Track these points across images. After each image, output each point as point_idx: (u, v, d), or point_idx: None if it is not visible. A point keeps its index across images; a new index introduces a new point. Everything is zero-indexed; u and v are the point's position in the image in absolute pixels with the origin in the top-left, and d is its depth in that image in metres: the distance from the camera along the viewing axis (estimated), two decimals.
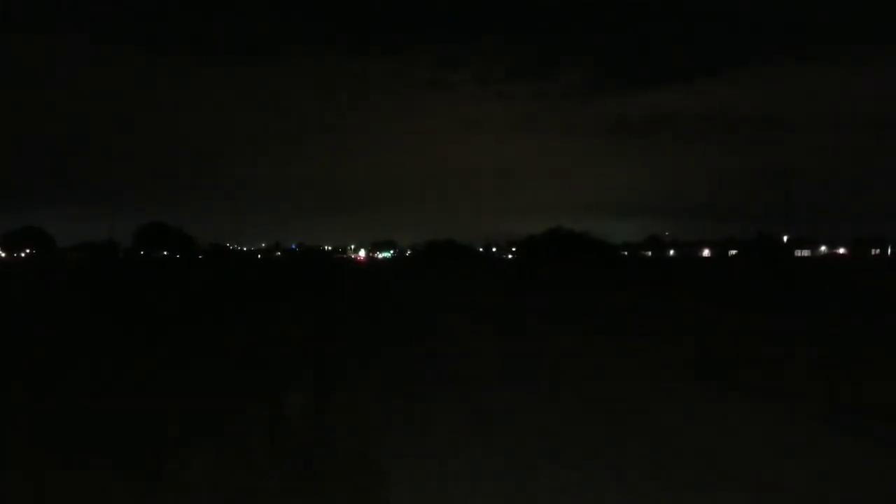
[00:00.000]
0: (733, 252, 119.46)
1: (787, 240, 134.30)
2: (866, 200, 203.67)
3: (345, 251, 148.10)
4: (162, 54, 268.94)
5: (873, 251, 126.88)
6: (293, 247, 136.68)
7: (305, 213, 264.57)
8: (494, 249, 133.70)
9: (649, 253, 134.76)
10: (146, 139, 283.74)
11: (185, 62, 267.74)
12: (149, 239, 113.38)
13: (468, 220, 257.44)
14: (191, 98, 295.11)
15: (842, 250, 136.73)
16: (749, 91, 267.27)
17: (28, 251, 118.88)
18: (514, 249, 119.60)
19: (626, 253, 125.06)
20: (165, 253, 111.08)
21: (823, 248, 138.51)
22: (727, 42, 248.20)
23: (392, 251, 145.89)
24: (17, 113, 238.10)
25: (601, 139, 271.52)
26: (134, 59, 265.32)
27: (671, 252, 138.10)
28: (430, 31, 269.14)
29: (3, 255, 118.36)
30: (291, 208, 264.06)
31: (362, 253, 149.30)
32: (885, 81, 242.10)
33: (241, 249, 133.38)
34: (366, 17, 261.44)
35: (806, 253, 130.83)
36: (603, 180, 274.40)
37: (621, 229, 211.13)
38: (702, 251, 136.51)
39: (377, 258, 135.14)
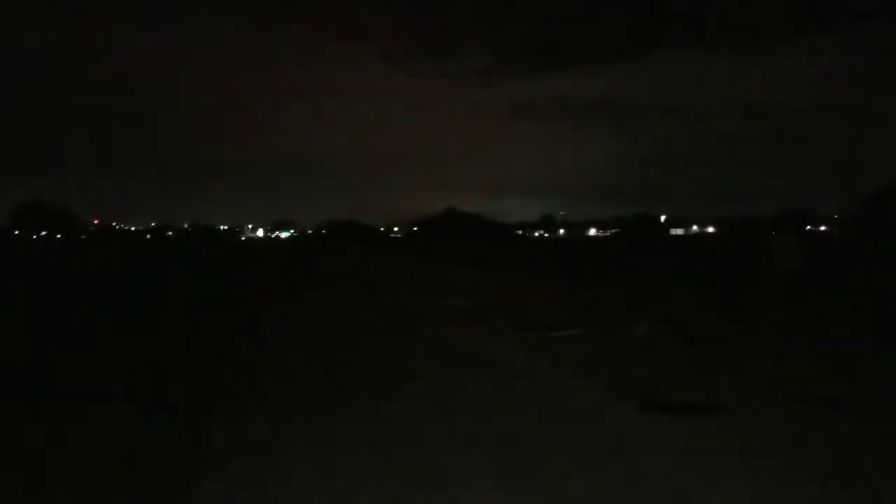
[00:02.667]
0: (615, 231, 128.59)
1: (665, 219, 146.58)
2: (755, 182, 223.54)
3: (241, 231, 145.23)
4: (37, 15, 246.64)
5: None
6: (185, 226, 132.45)
7: (200, 191, 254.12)
8: (396, 229, 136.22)
9: (543, 232, 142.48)
10: (24, 110, 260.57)
11: (71, 25, 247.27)
12: (27, 218, 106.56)
13: (370, 199, 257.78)
14: (78, 64, 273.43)
15: (710, 229, 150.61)
16: (645, 78, 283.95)
17: None
18: (415, 228, 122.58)
19: (520, 232, 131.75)
20: (45, 233, 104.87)
21: (695, 227, 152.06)
22: (627, 29, 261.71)
23: (292, 231, 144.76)
24: None
25: (502, 121, 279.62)
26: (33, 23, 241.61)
27: (562, 231, 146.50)
28: (338, 4, 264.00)
29: None
30: (183, 187, 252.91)
31: (260, 233, 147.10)
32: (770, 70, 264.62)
33: (129, 229, 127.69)
34: None
35: (680, 231, 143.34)
36: (503, 161, 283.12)
37: (523, 209, 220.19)
38: (589, 230, 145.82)
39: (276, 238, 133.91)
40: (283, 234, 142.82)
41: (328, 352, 8.61)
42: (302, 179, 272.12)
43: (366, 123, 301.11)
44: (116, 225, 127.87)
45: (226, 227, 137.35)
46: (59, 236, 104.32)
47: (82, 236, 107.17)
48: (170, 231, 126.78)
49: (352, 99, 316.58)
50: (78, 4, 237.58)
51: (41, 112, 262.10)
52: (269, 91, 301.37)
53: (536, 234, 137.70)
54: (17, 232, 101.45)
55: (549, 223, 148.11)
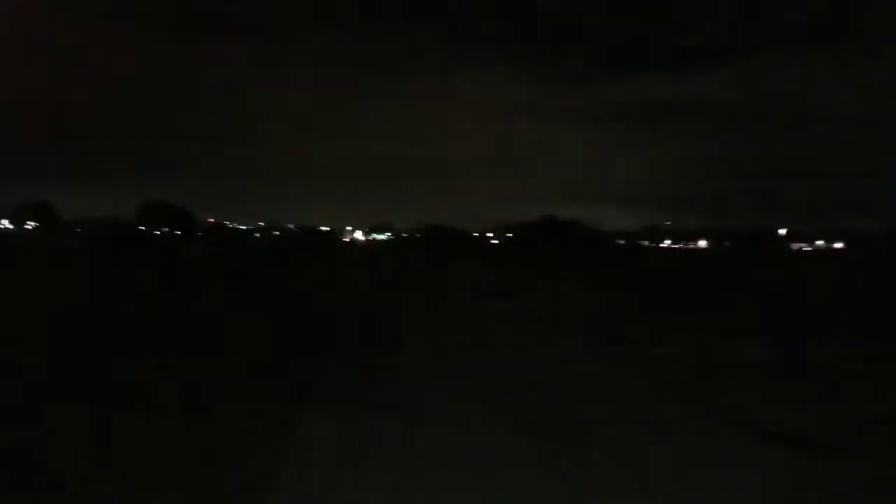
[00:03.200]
0: (726, 244, 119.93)
1: (786, 233, 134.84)
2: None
3: (342, 233, 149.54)
4: (161, 33, 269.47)
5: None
6: (291, 226, 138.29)
7: (305, 194, 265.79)
8: (490, 235, 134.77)
9: (646, 242, 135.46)
10: (150, 118, 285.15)
11: (185, 41, 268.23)
12: (151, 216, 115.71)
13: (468, 204, 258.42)
14: (195, 78, 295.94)
15: (839, 245, 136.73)
16: (754, 81, 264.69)
17: (34, 224, 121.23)
18: (509, 235, 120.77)
19: (622, 241, 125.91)
20: (166, 229, 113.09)
21: (820, 242, 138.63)
22: (732, 30, 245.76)
23: (389, 234, 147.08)
24: (23, 88, 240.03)
25: (599, 125, 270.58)
26: (134, 38, 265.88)
27: (667, 242, 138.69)
28: (434, 15, 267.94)
29: (10, 227, 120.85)
30: (291, 188, 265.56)
31: (359, 234, 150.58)
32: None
33: (240, 228, 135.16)
34: None
35: (806, 246, 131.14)
36: (600, 166, 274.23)
37: (621, 217, 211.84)
38: (698, 242, 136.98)
39: (374, 240, 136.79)
40: (381, 237, 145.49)
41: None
42: (400, 184, 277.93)
43: (460, 128, 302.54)
44: (229, 224, 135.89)
45: (328, 229, 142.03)
46: (178, 233, 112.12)
47: (199, 233, 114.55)
48: (276, 231, 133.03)
49: (449, 105, 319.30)
50: (203, 23, 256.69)
51: (159, 121, 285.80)
52: (367, 98, 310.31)
53: (646, 244, 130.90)
54: (142, 228, 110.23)
55: (653, 233, 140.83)
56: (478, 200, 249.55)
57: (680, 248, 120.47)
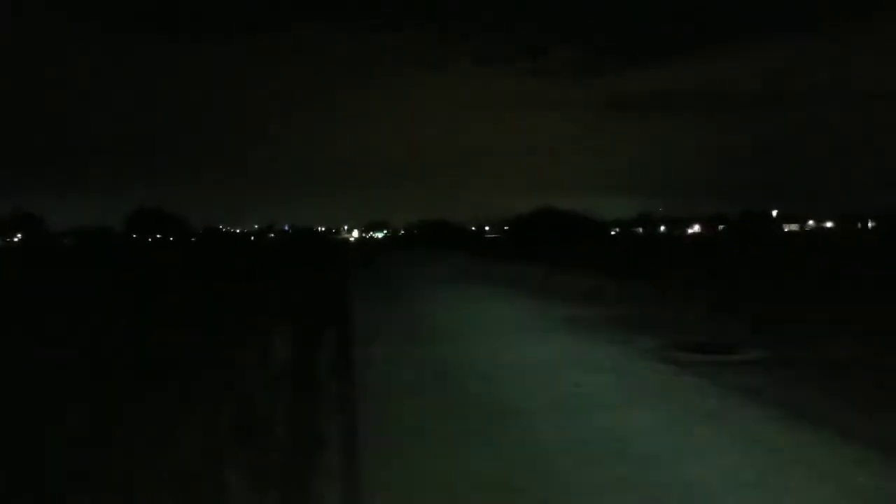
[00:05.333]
0: (721, 227, 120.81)
1: (777, 215, 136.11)
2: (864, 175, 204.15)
3: (338, 232, 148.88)
4: (150, 31, 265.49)
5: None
6: (286, 228, 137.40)
7: (297, 194, 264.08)
8: (487, 228, 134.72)
9: (640, 230, 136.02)
10: (133, 122, 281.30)
11: (176, 41, 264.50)
12: (142, 223, 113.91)
13: (463, 199, 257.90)
14: (183, 79, 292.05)
15: (829, 224, 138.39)
16: (745, 67, 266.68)
17: (19, 236, 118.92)
18: (505, 228, 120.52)
19: (616, 230, 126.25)
20: (159, 236, 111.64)
21: (811, 222, 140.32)
22: (722, 18, 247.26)
23: (385, 231, 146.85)
24: (8, 97, 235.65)
25: (596, 117, 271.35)
26: (120, 39, 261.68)
27: (662, 228, 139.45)
28: (428, 9, 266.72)
29: None
30: (283, 189, 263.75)
31: (355, 234, 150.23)
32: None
33: (234, 231, 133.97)
34: None
35: (794, 227, 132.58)
36: (598, 158, 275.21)
37: (618, 207, 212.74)
38: (692, 227, 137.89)
39: (370, 238, 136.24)
40: (378, 235, 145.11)
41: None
42: (395, 181, 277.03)
43: (458, 124, 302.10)
44: (223, 227, 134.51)
45: (323, 229, 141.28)
46: (171, 239, 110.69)
47: (192, 239, 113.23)
48: (271, 233, 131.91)
49: (444, 101, 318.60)
50: (193, 21, 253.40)
51: (148, 124, 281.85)
52: (363, 97, 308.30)
53: (640, 231, 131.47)
54: (134, 236, 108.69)
55: (647, 220, 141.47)
56: (476, 196, 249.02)
57: (680, 235, 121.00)
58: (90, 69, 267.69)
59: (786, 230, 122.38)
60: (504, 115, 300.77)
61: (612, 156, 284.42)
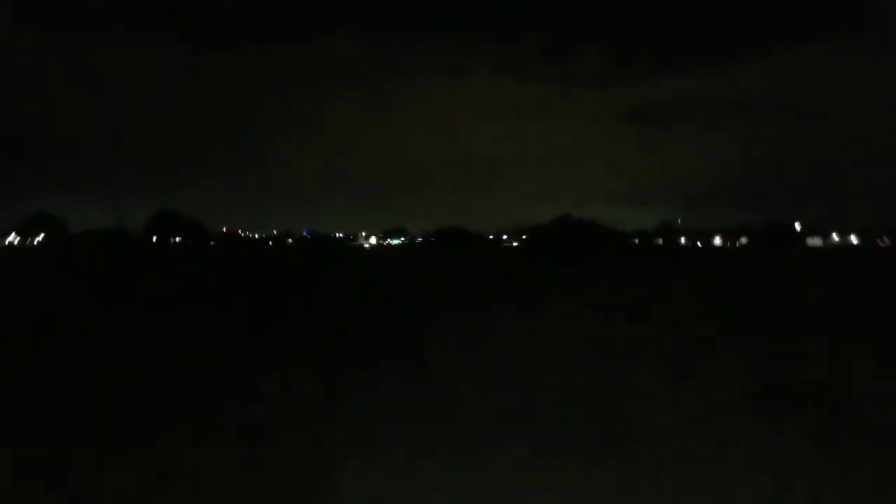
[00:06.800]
0: (744, 240, 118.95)
1: (801, 228, 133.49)
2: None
3: (356, 238, 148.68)
4: (172, 40, 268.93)
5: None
6: (304, 234, 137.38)
7: (317, 199, 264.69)
8: (505, 237, 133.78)
9: (660, 241, 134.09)
10: (156, 127, 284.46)
11: (198, 49, 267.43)
12: (161, 226, 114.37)
13: (482, 207, 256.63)
14: (203, 85, 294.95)
15: (854, 239, 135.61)
16: (767, 78, 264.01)
17: (42, 237, 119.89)
18: (524, 237, 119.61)
19: (636, 241, 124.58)
20: (178, 239, 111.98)
21: (835, 236, 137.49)
22: (746, 28, 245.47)
23: (402, 238, 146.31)
24: (29, 100, 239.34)
25: (617, 126, 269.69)
26: (143, 46, 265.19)
27: (682, 240, 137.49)
28: (447, 17, 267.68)
29: (15, 241, 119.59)
30: (303, 195, 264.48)
31: (373, 240, 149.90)
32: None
33: (253, 236, 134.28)
34: (381, 1, 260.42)
35: (818, 242, 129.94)
36: (619, 167, 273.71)
37: (637, 217, 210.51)
38: (713, 239, 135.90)
39: (388, 245, 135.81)
40: (395, 242, 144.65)
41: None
42: (414, 188, 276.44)
43: (477, 132, 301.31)
44: (242, 232, 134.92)
45: (341, 235, 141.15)
46: (190, 242, 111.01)
47: (212, 242, 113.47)
48: (290, 239, 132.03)
49: (462, 109, 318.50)
50: (216, 29, 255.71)
51: (170, 129, 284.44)
52: (382, 106, 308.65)
53: (661, 242, 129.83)
54: (154, 238, 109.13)
55: (667, 231, 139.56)
56: (495, 205, 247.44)
57: (703, 247, 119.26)
58: (104, 75, 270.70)
59: (809, 244, 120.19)
60: (523, 124, 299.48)
61: (632, 165, 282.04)
